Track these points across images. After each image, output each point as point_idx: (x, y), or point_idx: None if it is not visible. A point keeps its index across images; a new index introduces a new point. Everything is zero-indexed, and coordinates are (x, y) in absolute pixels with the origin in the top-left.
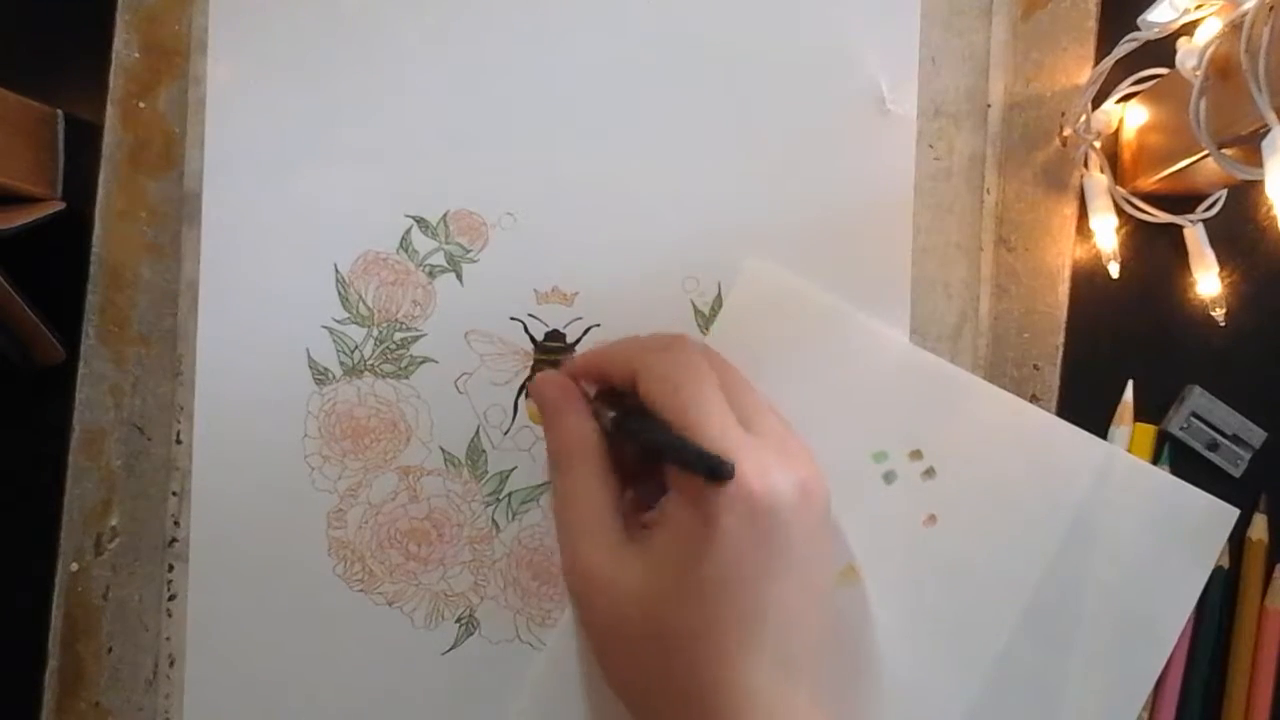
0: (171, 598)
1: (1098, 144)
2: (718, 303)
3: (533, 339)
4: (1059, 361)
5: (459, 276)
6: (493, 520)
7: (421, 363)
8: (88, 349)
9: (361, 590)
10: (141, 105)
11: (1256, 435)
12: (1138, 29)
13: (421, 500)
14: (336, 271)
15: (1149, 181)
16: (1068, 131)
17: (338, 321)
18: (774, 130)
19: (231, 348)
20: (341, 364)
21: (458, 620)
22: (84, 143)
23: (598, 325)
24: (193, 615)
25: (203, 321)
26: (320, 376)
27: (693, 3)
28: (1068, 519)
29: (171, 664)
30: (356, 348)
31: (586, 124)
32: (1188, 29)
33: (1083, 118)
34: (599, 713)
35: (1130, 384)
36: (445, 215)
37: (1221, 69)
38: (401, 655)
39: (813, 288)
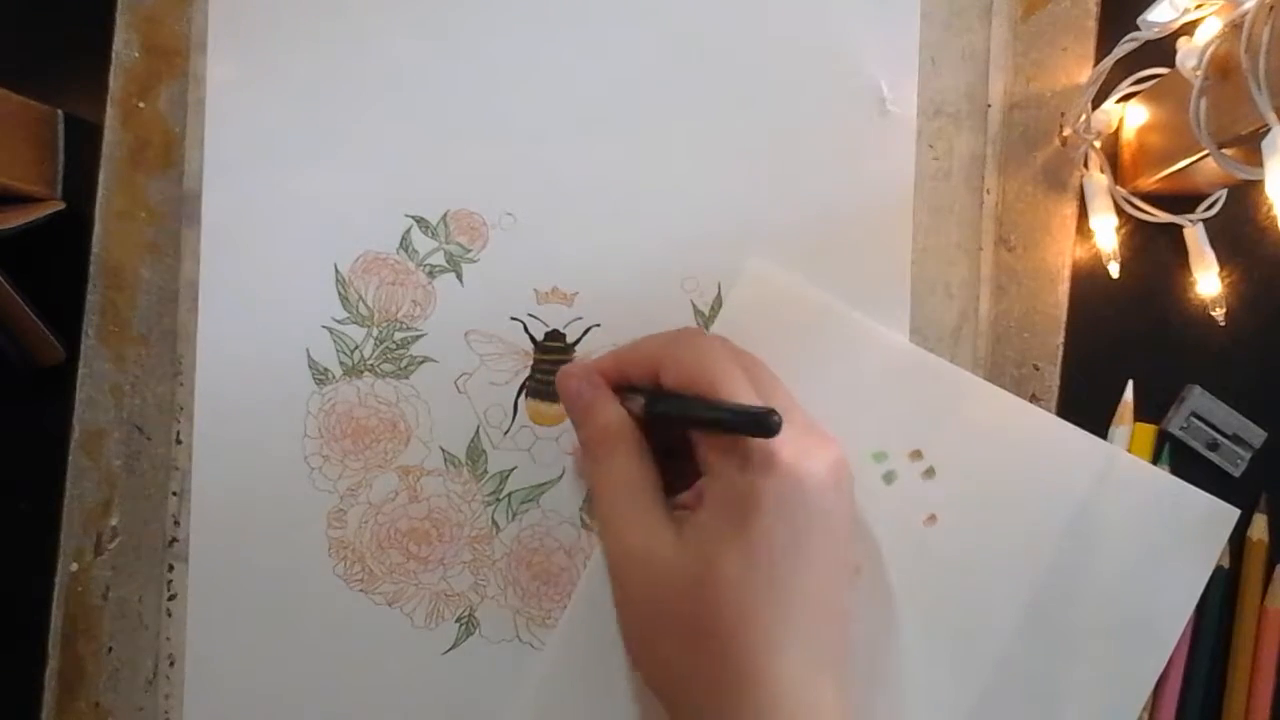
0: (171, 598)
1: (1098, 144)
2: (718, 303)
3: (533, 339)
4: (1059, 361)
5: (459, 276)
6: (493, 520)
7: (421, 363)
8: (88, 349)
9: (361, 590)
10: (141, 105)
11: (1256, 435)
12: (1138, 29)
13: (421, 500)
14: (336, 271)
15: (1149, 181)
16: (1068, 131)
17: (338, 321)
18: (774, 130)
19: (231, 348)
20: (341, 364)
21: (458, 620)
22: (84, 143)
23: (598, 325)
24: (193, 615)
25: (203, 321)
26: (320, 376)
27: (692, 3)
28: (1068, 519)
29: (171, 664)
30: (356, 348)
31: (586, 124)
32: (1188, 29)
33: (1083, 118)
34: (597, 708)
35: (1130, 384)
36: (445, 215)
37: (1221, 69)
38: (401, 655)
39: (813, 288)
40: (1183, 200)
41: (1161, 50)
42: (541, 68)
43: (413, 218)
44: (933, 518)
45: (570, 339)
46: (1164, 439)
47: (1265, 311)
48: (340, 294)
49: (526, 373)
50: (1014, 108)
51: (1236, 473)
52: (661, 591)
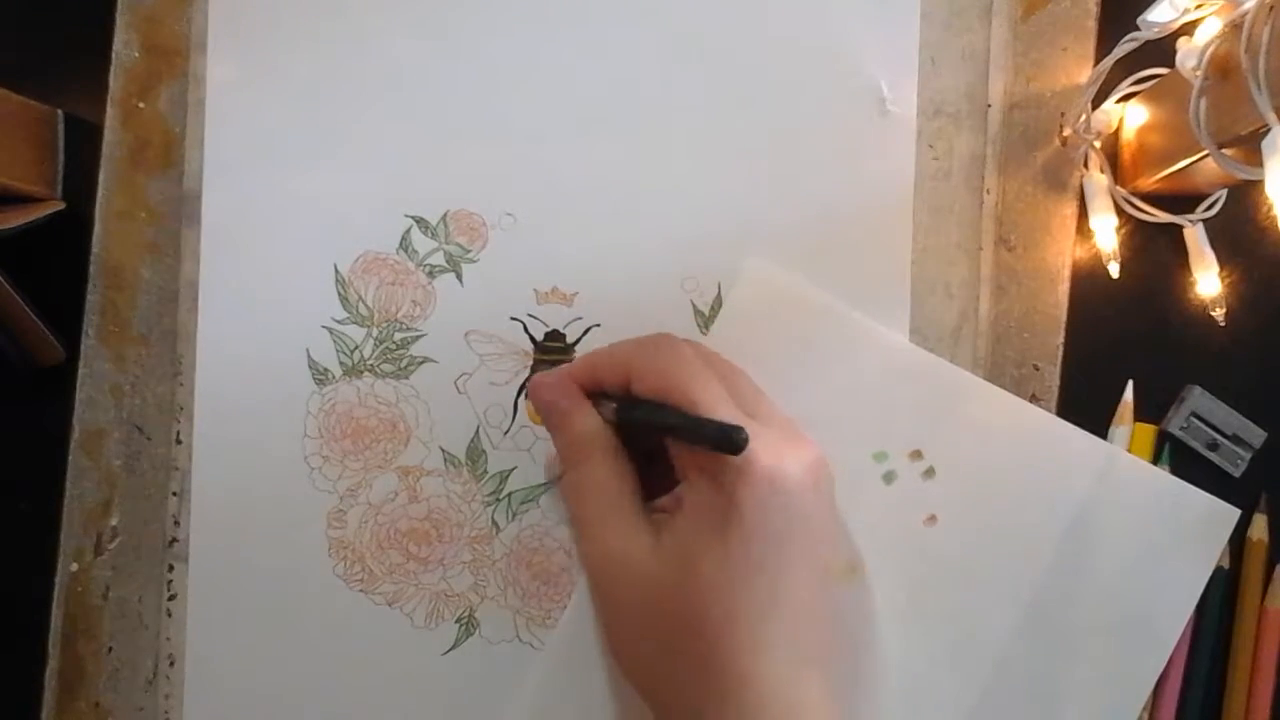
0: (171, 598)
1: (1098, 144)
2: (718, 303)
3: (533, 339)
4: (1059, 361)
5: (459, 276)
6: (493, 520)
7: (421, 363)
8: (88, 349)
9: (361, 590)
10: (141, 105)
11: (1256, 435)
12: (1138, 29)
13: (421, 500)
14: (336, 271)
15: (1149, 181)
16: (1068, 131)
17: (338, 321)
18: (774, 130)
19: (231, 348)
20: (341, 364)
21: (458, 620)
22: (84, 143)
23: (598, 325)
24: (193, 615)
25: (203, 321)
26: (320, 376)
27: (692, 3)
28: (1068, 519)
29: (171, 664)
30: (356, 348)
31: (586, 124)
32: (1188, 29)
33: (1083, 118)
34: (597, 708)
35: (1130, 384)
36: (445, 215)
37: (1221, 69)
38: (401, 655)
39: (813, 288)
40: (1183, 200)
41: (1161, 50)
42: (541, 68)
43: (413, 218)
44: (933, 518)
45: (570, 339)
46: (1164, 439)
47: (1265, 311)
48: (340, 294)
49: (526, 373)
50: (1014, 108)
51: (1236, 473)
52: (641, 596)
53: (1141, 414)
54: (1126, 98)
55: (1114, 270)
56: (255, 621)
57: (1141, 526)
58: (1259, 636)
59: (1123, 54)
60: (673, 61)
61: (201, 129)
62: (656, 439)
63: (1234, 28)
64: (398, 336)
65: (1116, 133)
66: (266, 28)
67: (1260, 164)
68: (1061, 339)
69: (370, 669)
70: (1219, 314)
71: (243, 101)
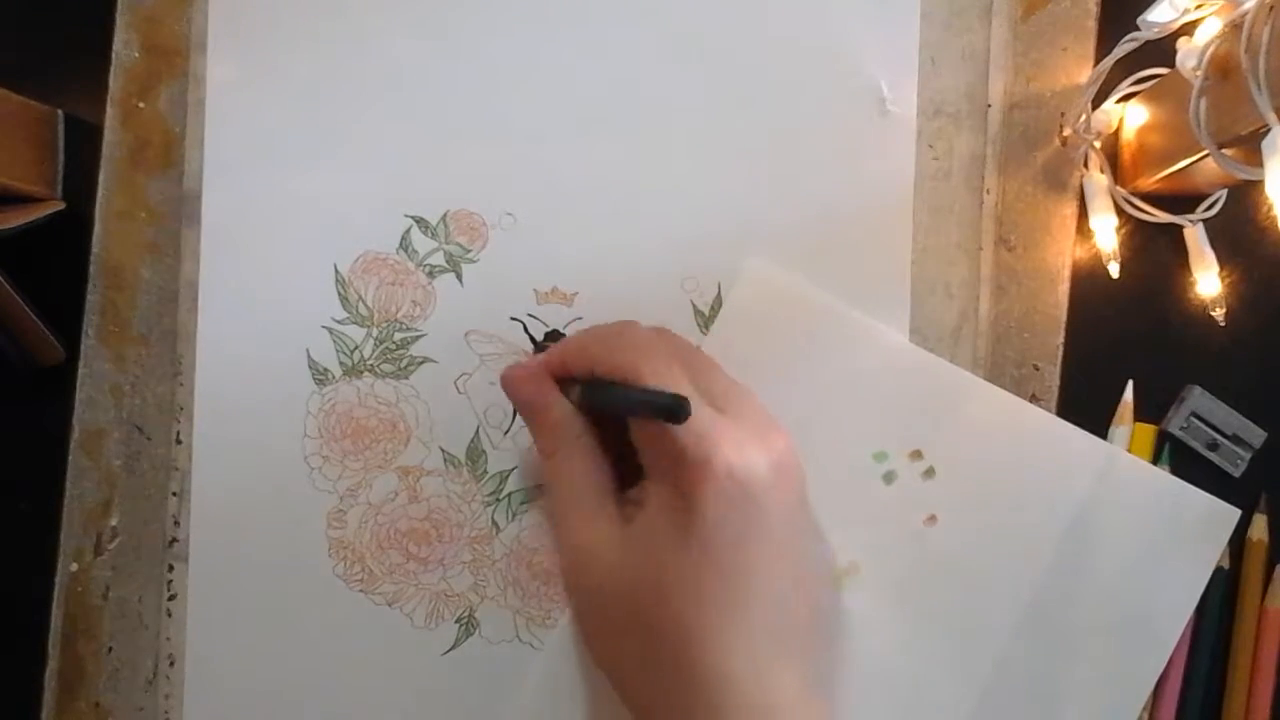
0: (171, 598)
1: (1098, 144)
2: (717, 303)
3: (533, 339)
4: (1059, 361)
5: (459, 276)
6: (493, 520)
7: (421, 363)
8: (88, 349)
9: (361, 590)
10: (141, 105)
11: (1256, 435)
12: (1138, 29)
13: (421, 500)
14: (336, 271)
15: (1149, 181)
16: (1068, 131)
17: (337, 321)
18: (774, 130)
19: (231, 348)
20: (341, 364)
21: (458, 620)
22: (84, 143)
23: None
24: (193, 615)
25: (203, 321)
26: (320, 376)
27: (692, 3)
28: (1068, 519)
29: (171, 664)
30: (356, 348)
31: (586, 124)
32: (1188, 29)
33: (1083, 118)
34: (596, 708)
35: (1130, 384)
36: (445, 215)
37: (1221, 69)
38: (401, 655)
39: (813, 288)
40: (1183, 200)
41: (1161, 50)
42: (541, 68)
43: (413, 218)
44: (933, 518)
45: None
46: (1164, 439)
47: (1265, 311)
48: (340, 294)
49: None
50: (1014, 108)
51: (1236, 473)
52: (609, 588)
53: (1141, 414)
54: (1126, 98)
55: (1114, 270)
56: (255, 621)
57: (1141, 526)
58: (1259, 636)
59: (1123, 54)
60: (673, 61)
61: (201, 129)
62: (623, 429)
63: (1234, 28)
64: (398, 336)
65: (1116, 133)
66: (266, 28)
67: (1260, 164)
68: (1061, 339)
69: (370, 669)
70: (1219, 314)
71: (243, 101)
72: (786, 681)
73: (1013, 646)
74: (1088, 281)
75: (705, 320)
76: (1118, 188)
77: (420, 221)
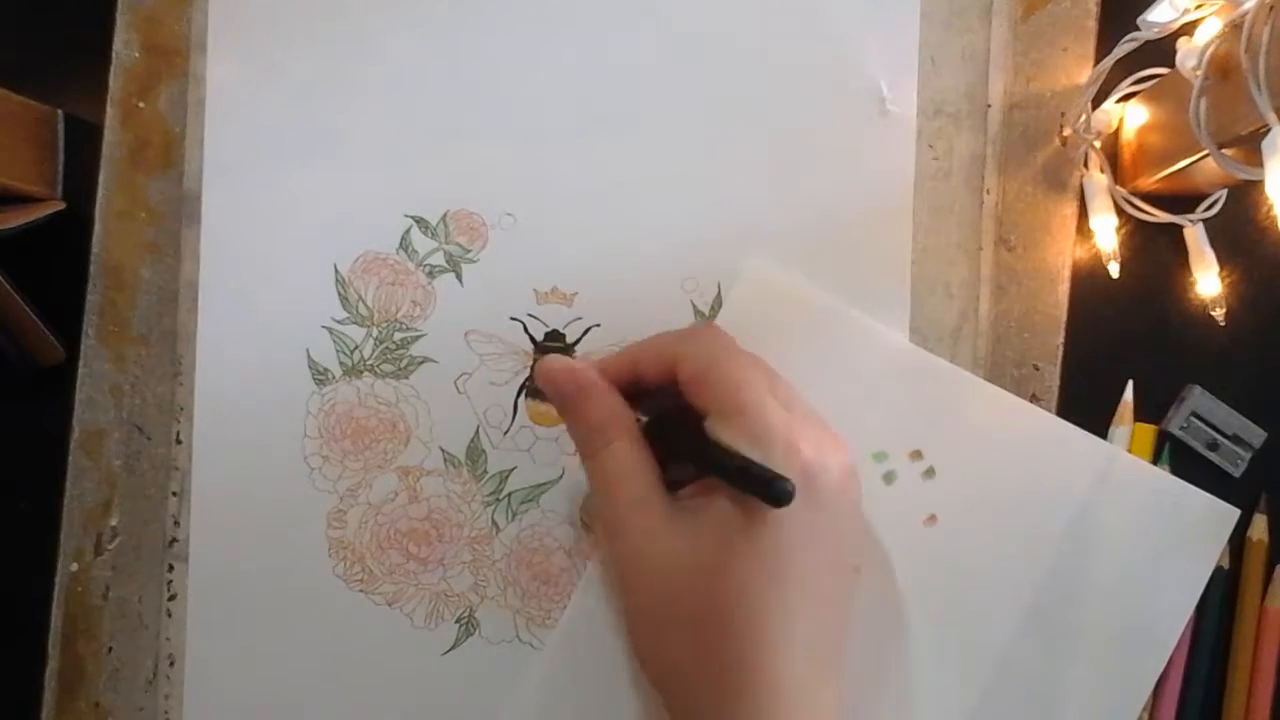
0: (171, 598)
1: (1098, 144)
2: (718, 303)
3: (533, 339)
4: (1059, 361)
5: (459, 276)
6: (493, 520)
7: (421, 363)
8: (88, 349)
9: (361, 590)
10: (141, 105)
11: (1256, 435)
12: (1138, 29)
13: (421, 500)
14: (336, 271)
15: (1149, 181)
16: (1068, 131)
17: (337, 321)
18: (774, 130)
19: (231, 348)
20: (341, 364)
21: (457, 620)
22: (84, 143)
23: (598, 325)
24: (193, 615)
25: (203, 321)
26: (320, 376)
27: (692, 3)
28: (1068, 519)
29: (171, 664)
30: (356, 348)
31: (586, 124)
32: (1188, 29)
33: (1083, 118)
34: (597, 708)
35: (1130, 384)
36: (445, 215)
37: (1221, 69)
38: (401, 655)
39: (813, 288)
40: (1183, 200)
41: (1161, 50)
42: (542, 68)
43: (413, 218)
44: (933, 518)
45: (570, 339)
46: (1164, 439)
47: (1265, 311)
48: (340, 294)
49: (526, 373)
50: (1014, 108)
51: (1236, 473)
52: (670, 584)
53: (1141, 414)
54: (1126, 98)
55: (1114, 270)
56: (255, 621)
57: (1141, 526)
58: (1259, 636)
59: (1123, 54)
60: (673, 62)
61: (201, 129)
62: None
63: (1234, 28)
64: (398, 336)
65: (1116, 133)
66: (266, 28)
67: (1260, 164)
68: (1061, 339)
69: (370, 669)
70: (1219, 314)
71: (243, 101)
72: (829, 688)
73: (1013, 646)
74: (1088, 281)
75: (705, 320)
76: (1118, 188)
77: (420, 221)
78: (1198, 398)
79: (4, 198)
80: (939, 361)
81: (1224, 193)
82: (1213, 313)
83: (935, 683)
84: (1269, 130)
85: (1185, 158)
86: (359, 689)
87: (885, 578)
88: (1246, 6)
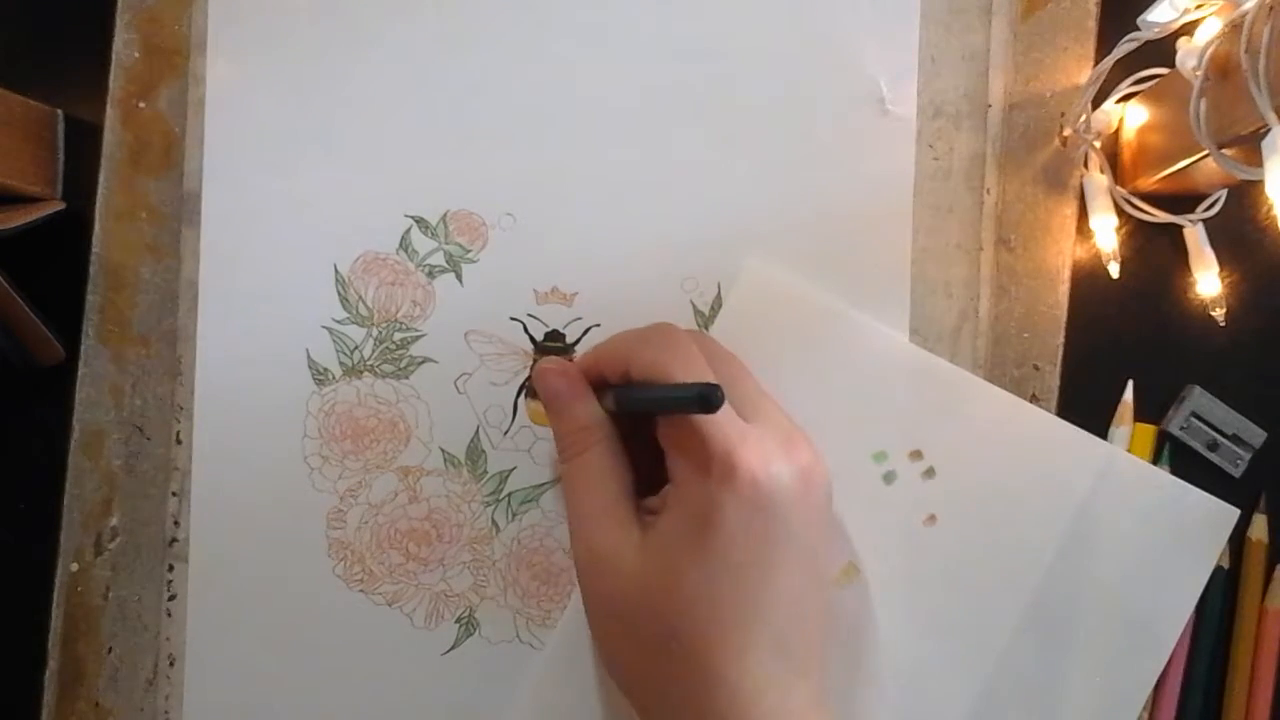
0: (171, 598)
1: (1098, 144)
2: (718, 303)
3: (532, 339)
4: (1059, 361)
5: (459, 277)
6: (493, 520)
7: (421, 363)
8: (88, 349)
9: (361, 590)
10: (141, 105)
11: (1256, 435)
12: (1138, 29)
13: (421, 500)
14: (336, 271)
15: (1149, 181)
16: (1068, 131)
17: (337, 322)
18: (774, 130)
19: (231, 348)
20: (341, 364)
21: (457, 620)
22: (84, 143)
23: (598, 325)
24: (193, 615)
25: (203, 321)
26: (320, 377)
27: (693, 4)
28: (1068, 519)
29: (171, 664)
30: (356, 348)
31: (586, 124)
32: (1188, 29)
33: (1083, 118)
34: (597, 709)
35: (1130, 384)
36: (445, 215)
37: (1221, 69)
38: (401, 655)
39: (812, 288)
40: (1183, 200)
41: (1161, 50)
42: (541, 68)
43: (413, 218)
44: (933, 518)
45: (570, 339)
46: (1164, 439)
47: (1265, 311)
48: (340, 294)
49: (526, 373)
50: (1014, 108)
51: (1236, 473)
52: (625, 594)
53: (1141, 414)
54: (1126, 98)
55: (1114, 270)
56: (255, 621)
57: (1141, 527)
58: (1259, 636)
59: (1123, 54)
60: (673, 62)
61: (201, 129)
62: (654, 438)
63: (1234, 28)
64: (398, 336)
65: (1116, 133)
66: (266, 28)
67: (1260, 164)
68: (1061, 339)
69: (370, 669)
70: (1219, 314)
71: (243, 101)
72: (797, 695)
73: (1012, 646)
74: (1088, 281)
75: (705, 320)
76: (1118, 188)
77: (420, 221)
78: (1198, 398)
79: (4, 198)
80: (939, 361)
81: (1224, 193)
82: (1213, 313)
83: (935, 682)
84: (1269, 130)
85: (1185, 158)
86: (359, 689)
87: (883, 577)
88: (1246, 6)
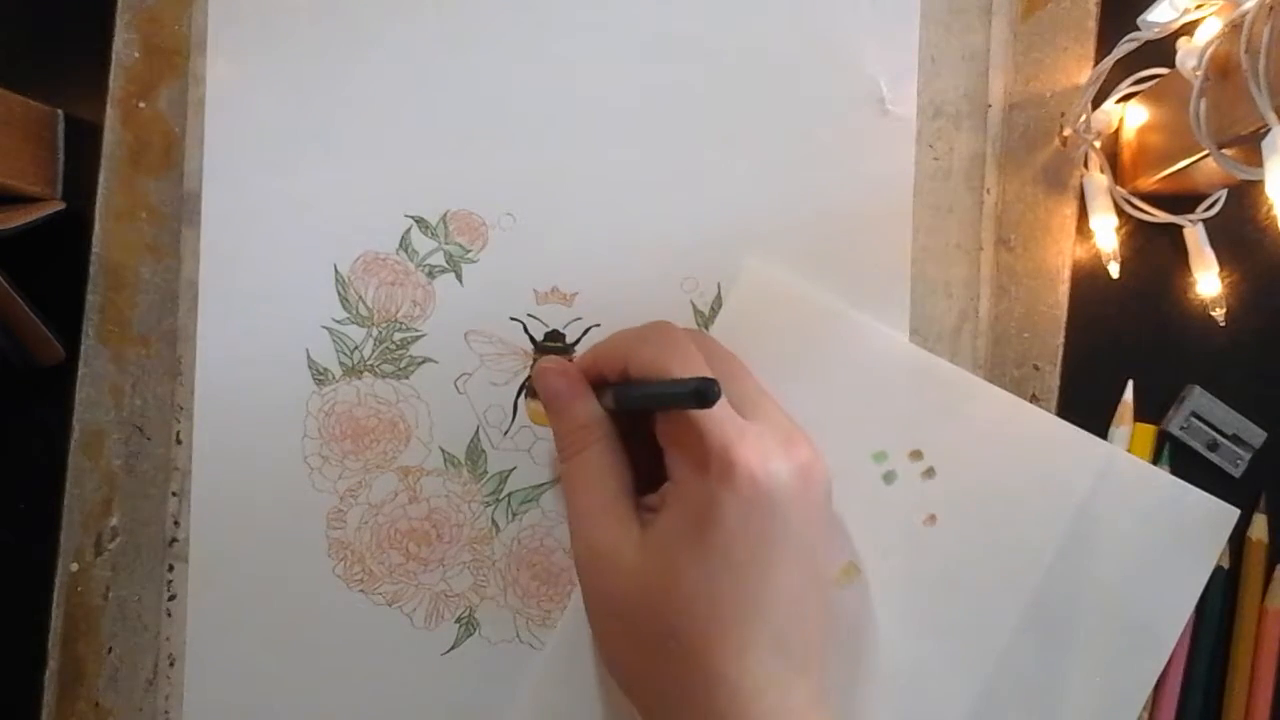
0: (171, 598)
1: (1098, 144)
2: (718, 303)
3: (532, 339)
4: (1059, 361)
5: (458, 276)
6: (493, 520)
7: (421, 363)
8: (88, 349)
9: (361, 590)
10: (141, 105)
11: (1256, 435)
12: (1138, 29)
13: (421, 501)
14: (336, 271)
15: (1149, 181)
16: (1068, 131)
17: (337, 322)
18: (774, 130)
19: (231, 348)
20: (341, 364)
21: (457, 620)
22: (84, 143)
23: (597, 325)
24: (193, 615)
25: (203, 321)
26: (320, 377)
27: (692, 3)
28: (1068, 519)
29: (171, 664)
30: (356, 348)
31: (586, 124)
32: (1188, 29)
33: (1083, 118)
34: (597, 709)
35: (1130, 384)
36: (445, 215)
37: (1221, 69)
38: (401, 655)
39: (812, 288)
40: (1183, 200)
41: (1161, 50)
42: (541, 68)
43: (413, 218)
44: (932, 518)
45: (570, 339)
46: (1164, 439)
47: (1265, 311)
48: (340, 294)
49: (526, 373)
50: (1014, 108)
51: (1236, 473)
52: (624, 591)
53: (1141, 414)
54: (1126, 98)
55: (1114, 270)
56: (255, 621)
57: (1141, 527)
58: (1259, 636)
59: (1123, 54)
60: (673, 62)
61: (201, 129)
62: (653, 438)
63: (1234, 28)
64: (398, 336)
65: (1116, 133)
66: (266, 28)
67: (1260, 164)
68: (1061, 339)
69: (370, 669)
70: (1219, 314)
71: (243, 101)
72: (796, 692)
73: (1012, 647)
74: (1088, 281)
75: (705, 320)
76: (1118, 188)
77: (420, 221)
78: (1198, 398)
79: (4, 198)
80: (939, 361)
81: (1224, 193)
82: (1213, 313)
83: (935, 682)
84: (1269, 130)
85: (1185, 158)
86: (359, 689)
87: (885, 577)
88: (1246, 6)
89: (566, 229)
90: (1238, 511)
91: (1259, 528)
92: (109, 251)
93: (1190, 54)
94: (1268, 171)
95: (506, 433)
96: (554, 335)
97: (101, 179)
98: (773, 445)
